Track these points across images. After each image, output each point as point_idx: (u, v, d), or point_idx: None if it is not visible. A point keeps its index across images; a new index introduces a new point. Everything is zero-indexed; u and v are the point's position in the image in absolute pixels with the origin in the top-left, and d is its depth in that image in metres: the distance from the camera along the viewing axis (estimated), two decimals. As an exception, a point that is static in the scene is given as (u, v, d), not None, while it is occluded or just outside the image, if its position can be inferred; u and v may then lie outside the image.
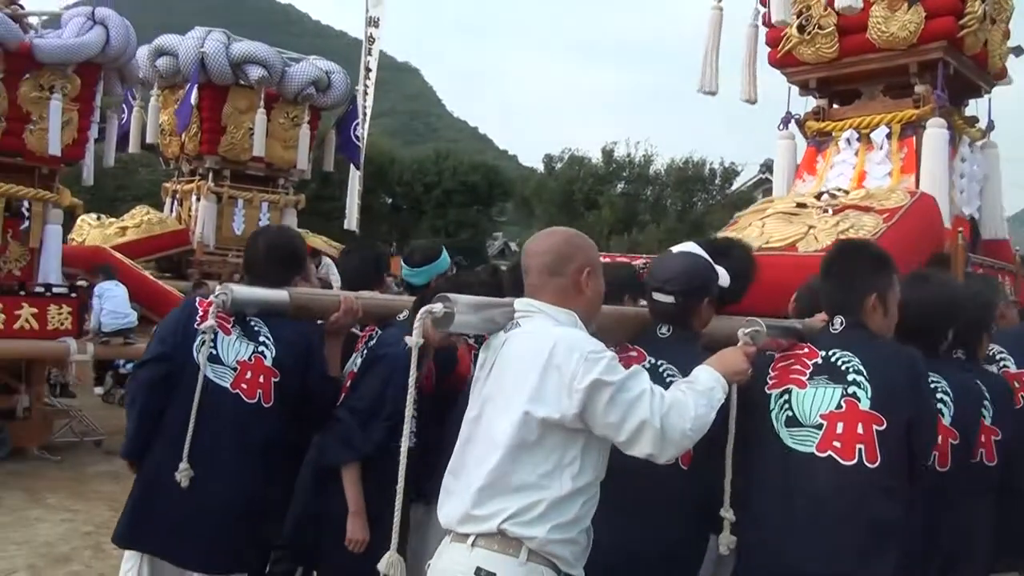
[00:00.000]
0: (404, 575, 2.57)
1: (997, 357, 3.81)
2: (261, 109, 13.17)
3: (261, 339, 3.33)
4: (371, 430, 3.31)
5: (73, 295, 8.45)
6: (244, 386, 3.26)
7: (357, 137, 15.71)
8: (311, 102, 13.87)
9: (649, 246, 27.55)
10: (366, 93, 20.67)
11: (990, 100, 6.43)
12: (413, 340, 2.56)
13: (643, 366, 2.91)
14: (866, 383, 2.75)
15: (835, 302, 2.97)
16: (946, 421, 3.03)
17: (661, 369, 2.93)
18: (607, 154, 34.24)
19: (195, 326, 3.32)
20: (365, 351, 3.61)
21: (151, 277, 10.73)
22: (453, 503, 2.51)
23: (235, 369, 3.26)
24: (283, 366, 3.30)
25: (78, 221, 13.01)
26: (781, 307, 3.82)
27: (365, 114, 20.58)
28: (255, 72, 12.96)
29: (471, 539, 2.41)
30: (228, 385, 3.24)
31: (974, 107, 6.47)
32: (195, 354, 3.25)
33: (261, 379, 3.28)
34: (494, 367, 2.58)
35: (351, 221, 19.89)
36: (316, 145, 14.82)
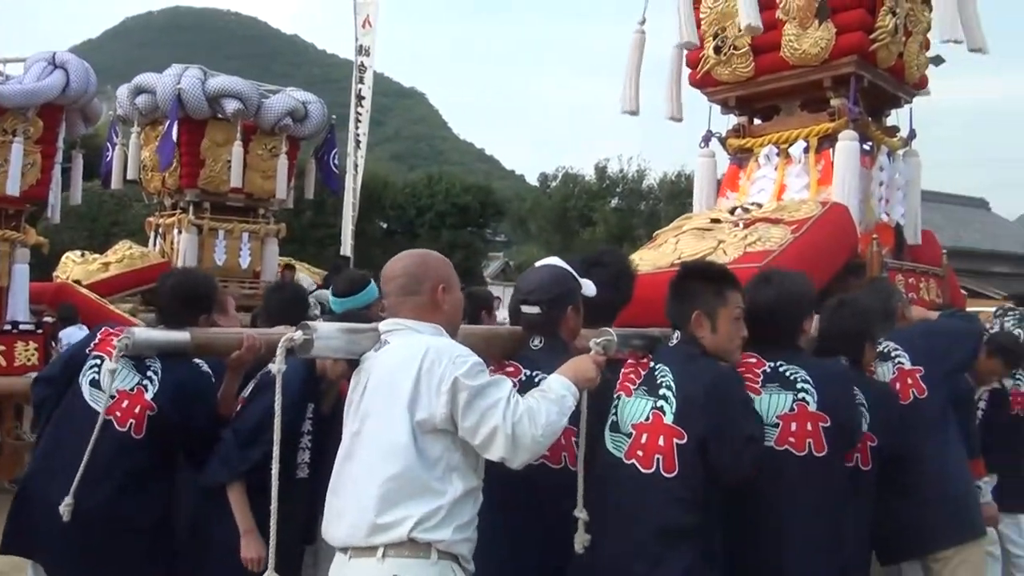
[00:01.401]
0: None
1: (892, 354, 4.00)
2: (238, 141, 13.34)
3: (148, 374, 3.49)
4: (250, 451, 3.43)
5: (39, 331, 8.65)
6: (118, 414, 3.41)
7: (335, 165, 15.87)
8: (288, 132, 13.99)
9: (642, 261, 27.71)
10: (359, 121, 20.98)
11: (911, 110, 6.54)
12: (276, 367, 2.70)
13: (519, 379, 3.08)
14: (673, 398, 2.93)
15: (671, 317, 3.15)
16: (812, 408, 3.14)
17: (537, 379, 3.04)
18: (600, 170, 34.55)
19: (87, 351, 3.56)
20: (259, 377, 3.70)
21: (118, 311, 10.86)
22: (348, 519, 2.59)
23: (113, 397, 3.39)
24: (162, 403, 3.45)
25: (62, 258, 13.21)
26: None
27: (359, 141, 20.89)
28: (231, 105, 13.13)
29: (380, 551, 2.50)
30: (102, 411, 3.33)
31: (895, 118, 6.58)
32: (80, 378, 3.48)
33: (136, 410, 3.44)
34: (368, 383, 2.71)
35: (345, 247, 20.15)
36: (297, 174, 14.95)
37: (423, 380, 2.54)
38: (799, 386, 3.18)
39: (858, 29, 5.76)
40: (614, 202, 34.12)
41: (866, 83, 5.96)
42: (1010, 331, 5.14)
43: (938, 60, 6.49)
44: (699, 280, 3.14)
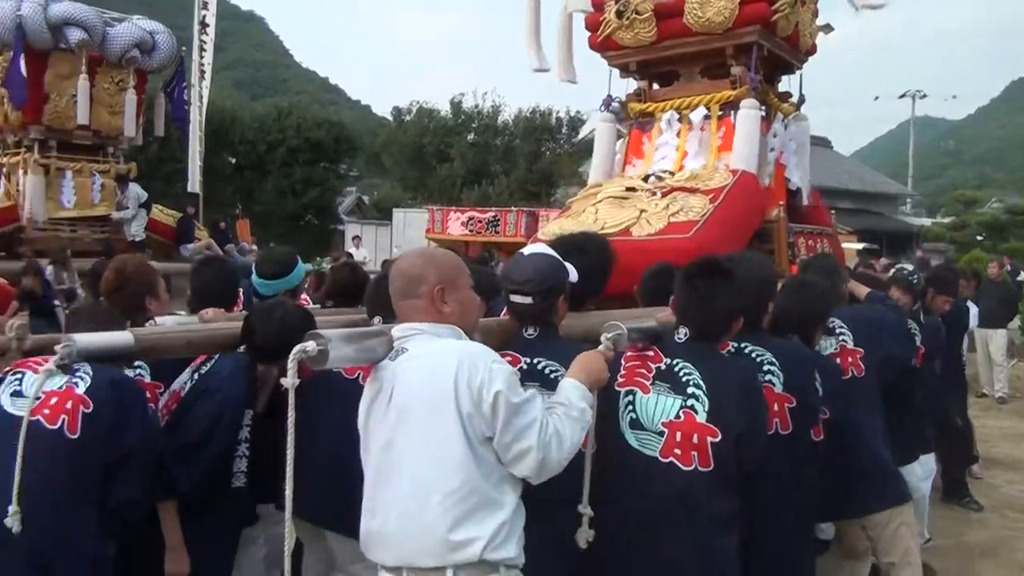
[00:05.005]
0: None
1: (837, 330, 4.31)
2: (84, 74, 12.50)
3: (79, 374, 3.01)
4: (194, 468, 3.23)
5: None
6: (46, 411, 2.92)
7: (185, 100, 15.16)
8: (136, 65, 13.18)
9: (500, 199, 27.76)
10: (203, 50, 20.00)
11: (801, 76, 6.70)
12: (288, 382, 2.49)
13: (520, 367, 3.05)
14: (704, 397, 2.99)
15: (692, 316, 3.14)
16: (778, 389, 3.32)
17: (541, 366, 3.08)
18: (456, 105, 34.12)
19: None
20: (196, 376, 3.45)
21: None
22: (407, 539, 2.47)
23: (39, 398, 2.92)
24: (98, 400, 2.97)
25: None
26: (618, 290, 4.02)
27: (203, 71, 19.95)
28: (75, 35, 12.25)
29: (450, 572, 2.42)
30: (25, 413, 2.86)
31: (787, 83, 6.74)
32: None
33: (68, 405, 2.93)
34: (395, 395, 2.56)
35: (193, 183, 19.34)
36: (145, 109, 14.16)
37: (465, 390, 2.45)
38: (765, 368, 3.34)
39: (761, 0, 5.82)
40: (470, 138, 33.81)
41: (766, 51, 6.05)
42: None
43: (828, 28, 6.66)
44: (728, 281, 3.15)
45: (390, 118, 37.00)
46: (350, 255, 18.14)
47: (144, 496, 3.09)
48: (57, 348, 2.90)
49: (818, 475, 3.76)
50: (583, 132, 33.07)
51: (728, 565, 2.97)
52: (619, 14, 6.13)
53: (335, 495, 3.33)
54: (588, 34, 6.47)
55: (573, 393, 2.70)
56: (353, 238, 26.25)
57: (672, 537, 2.96)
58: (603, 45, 6.40)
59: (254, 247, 15.52)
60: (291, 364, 2.46)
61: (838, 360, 4.22)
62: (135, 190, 13.19)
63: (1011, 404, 12.21)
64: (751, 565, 3.13)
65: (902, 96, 48.47)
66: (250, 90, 79.78)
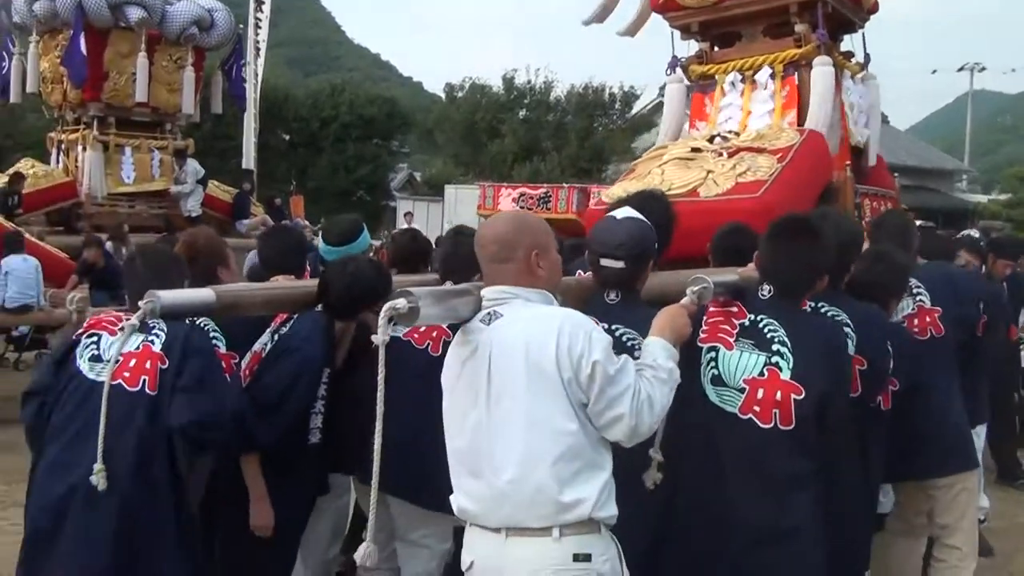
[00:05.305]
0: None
1: (914, 290, 4.20)
2: (143, 52, 12.71)
3: (155, 331, 3.05)
4: (274, 423, 3.27)
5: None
6: (126, 374, 2.96)
7: (243, 78, 15.29)
8: (194, 43, 13.39)
9: (551, 175, 27.62)
10: (258, 27, 20.15)
11: (863, 35, 6.56)
12: (380, 338, 2.45)
13: None
14: (788, 354, 2.96)
15: (777, 273, 3.09)
16: (851, 350, 3.26)
17: (619, 334, 2.98)
18: (508, 82, 33.86)
19: (73, 339, 3.14)
20: (276, 337, 3.49)
21: (35, 240, 10.21)
22: (519, 501, 2.48)
23: (118, 361, 2.94)
24: (172, 352, 3.01)
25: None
26: (687, 251, 3.96)
27: (259, 48, 20.09)
28: (134, 13, 12.47)
29: (556, 531, 2.45)
30: (107, 378, 2.88)
31: (848, 42, 6.61)
32: (77, 361, 3.04)
33: (147, 365, 2.97)
34: (493, 360, 2.54)
35: (248, 160, 19.54)
36: (202, 86, 14.33)
37: (565, 358, 2.45)
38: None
39: (824, -46, 5.71)
40: (522, 114, 33.59)
41: (829, 8, 5.94)
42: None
43: (892, -14, 6.50)
44: (813, 238, 3.11)
45: (442, 95, 36.96)
46: (404, 230, 18.27)
47: (197, 416, 2.99)
48: (141, 303, 2.88)
49: (883, 443, 3.74)
50: (636, 107, 32.78)
51: (803, 520, 2.92)
52: (683, -26, 6.05)
53: (404, 462, 3.31)
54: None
55: (660, 353, 2.67)
56: (405, 214, 26.36)
57: (747, 494, 2.94)
58: (665, 6, 6.35)
59: (307, 222, 15.70)
60: (382, 321, 2.42)
61: (916, 320, 4.13)
62: (193, 165, 13.41)
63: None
64: None
65: (960, 69, 47.20)
66: (303, 67, 79.98)
